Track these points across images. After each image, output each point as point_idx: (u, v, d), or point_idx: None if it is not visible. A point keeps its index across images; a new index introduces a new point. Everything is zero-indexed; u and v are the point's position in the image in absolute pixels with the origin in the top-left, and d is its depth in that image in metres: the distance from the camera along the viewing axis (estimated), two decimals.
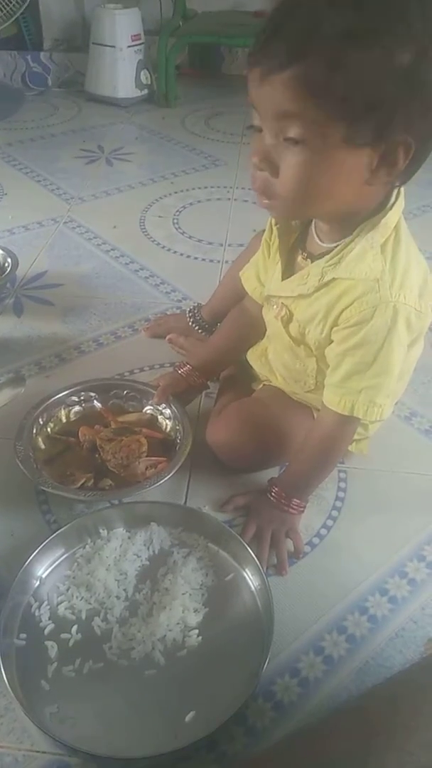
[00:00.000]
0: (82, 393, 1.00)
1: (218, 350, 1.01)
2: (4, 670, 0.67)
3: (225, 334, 1.02)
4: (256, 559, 0.78)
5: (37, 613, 0.74)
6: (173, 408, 0.97)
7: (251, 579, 0.78)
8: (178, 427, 0.95)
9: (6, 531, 0.85)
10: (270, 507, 0.85)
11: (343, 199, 0.66)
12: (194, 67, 2.72)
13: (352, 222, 0.71)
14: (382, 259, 0.70)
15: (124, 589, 0.77)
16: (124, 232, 1.57)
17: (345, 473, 0.95)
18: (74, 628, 0.73)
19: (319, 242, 0.77)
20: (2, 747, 0.65)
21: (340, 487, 0.93)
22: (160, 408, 0.99)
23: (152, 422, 0.99)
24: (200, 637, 0.72)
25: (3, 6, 2.12)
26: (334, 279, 0.73)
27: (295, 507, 0.85)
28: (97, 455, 0.91)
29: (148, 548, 0.81)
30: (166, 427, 0.98)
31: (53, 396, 0.98)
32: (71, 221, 1.61)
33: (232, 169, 1.91)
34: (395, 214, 0.71)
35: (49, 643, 0.71)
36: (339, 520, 0.88)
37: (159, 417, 0.99)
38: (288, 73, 0.57)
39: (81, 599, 0.76)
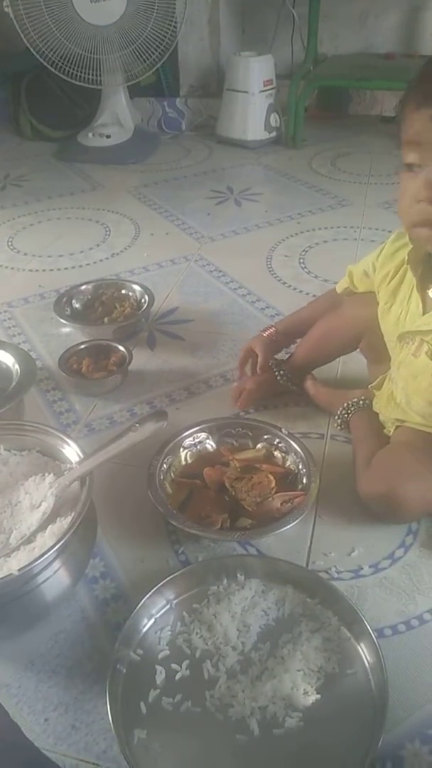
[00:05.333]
0: (197, 434, 1.02)
1: (302, 319, 1.15)
2: (110, 681, 0.69)
3: (312, 309, 1.15)
4: (383, 659, 0.71)
5: (157, 635, 0.76)
6: (289, 441, 0.99)
7: (372, 675, 0.71)
8: (296, 460, 0.96)
9: (136, 557, 0.89)
10: None
11: None
12: (321, 108, 2.77)
13: None
14: None
15: (242, 642, 0.75)
16: (251, 270, 1.61)
17: None
18: (185, 663, 0.73)
19: None
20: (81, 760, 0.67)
21: None
22: (274, 443, 1.00)
23: (269, 458, 1.00)
24: (302, 723, 0.67)
25: (146, 57, 2.27)
26: None
27: None
28: (226, 496, 0.92)
29: (279, 609, 0.78)
30: (284, 461, 0.99)
31: (172, 440, 0.99)
32: (201, 259, 1.68)
33: (358, 209, 1.93)
34: None
35: (159, 668, 0.72)
36: None
37: (275, 452, 1.00)
38: None
39: (200, 637, 0.75)
